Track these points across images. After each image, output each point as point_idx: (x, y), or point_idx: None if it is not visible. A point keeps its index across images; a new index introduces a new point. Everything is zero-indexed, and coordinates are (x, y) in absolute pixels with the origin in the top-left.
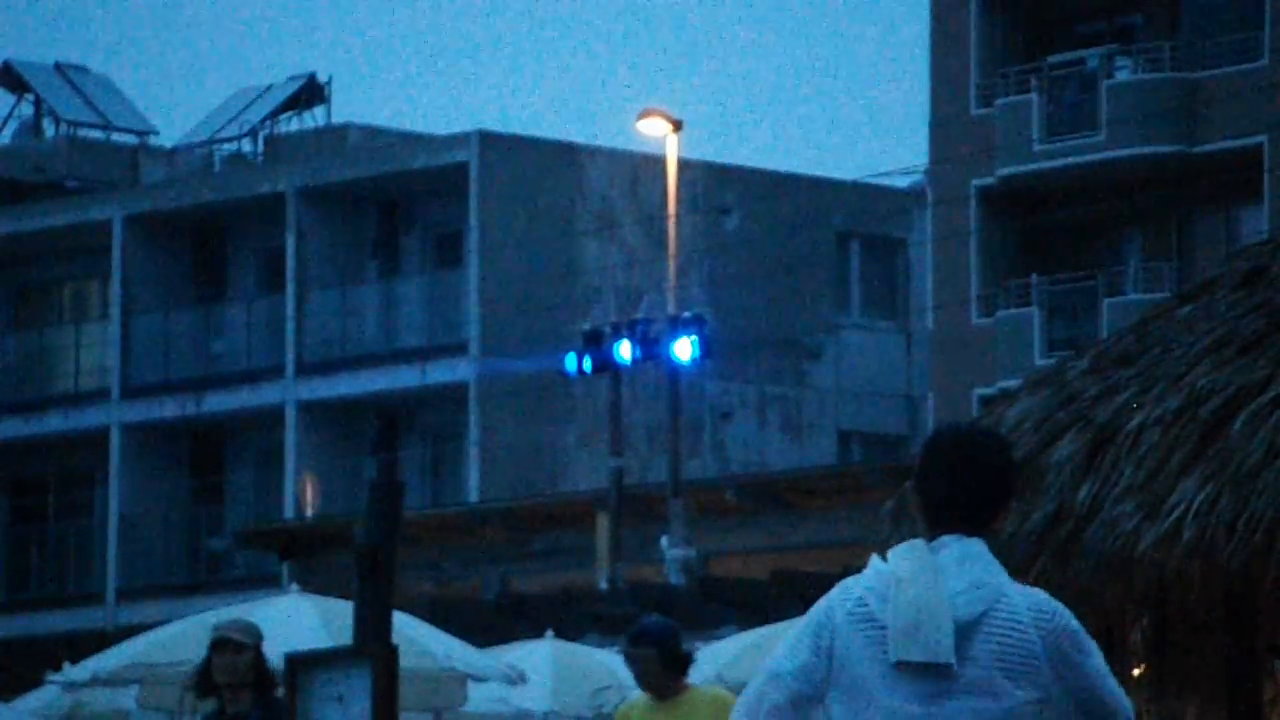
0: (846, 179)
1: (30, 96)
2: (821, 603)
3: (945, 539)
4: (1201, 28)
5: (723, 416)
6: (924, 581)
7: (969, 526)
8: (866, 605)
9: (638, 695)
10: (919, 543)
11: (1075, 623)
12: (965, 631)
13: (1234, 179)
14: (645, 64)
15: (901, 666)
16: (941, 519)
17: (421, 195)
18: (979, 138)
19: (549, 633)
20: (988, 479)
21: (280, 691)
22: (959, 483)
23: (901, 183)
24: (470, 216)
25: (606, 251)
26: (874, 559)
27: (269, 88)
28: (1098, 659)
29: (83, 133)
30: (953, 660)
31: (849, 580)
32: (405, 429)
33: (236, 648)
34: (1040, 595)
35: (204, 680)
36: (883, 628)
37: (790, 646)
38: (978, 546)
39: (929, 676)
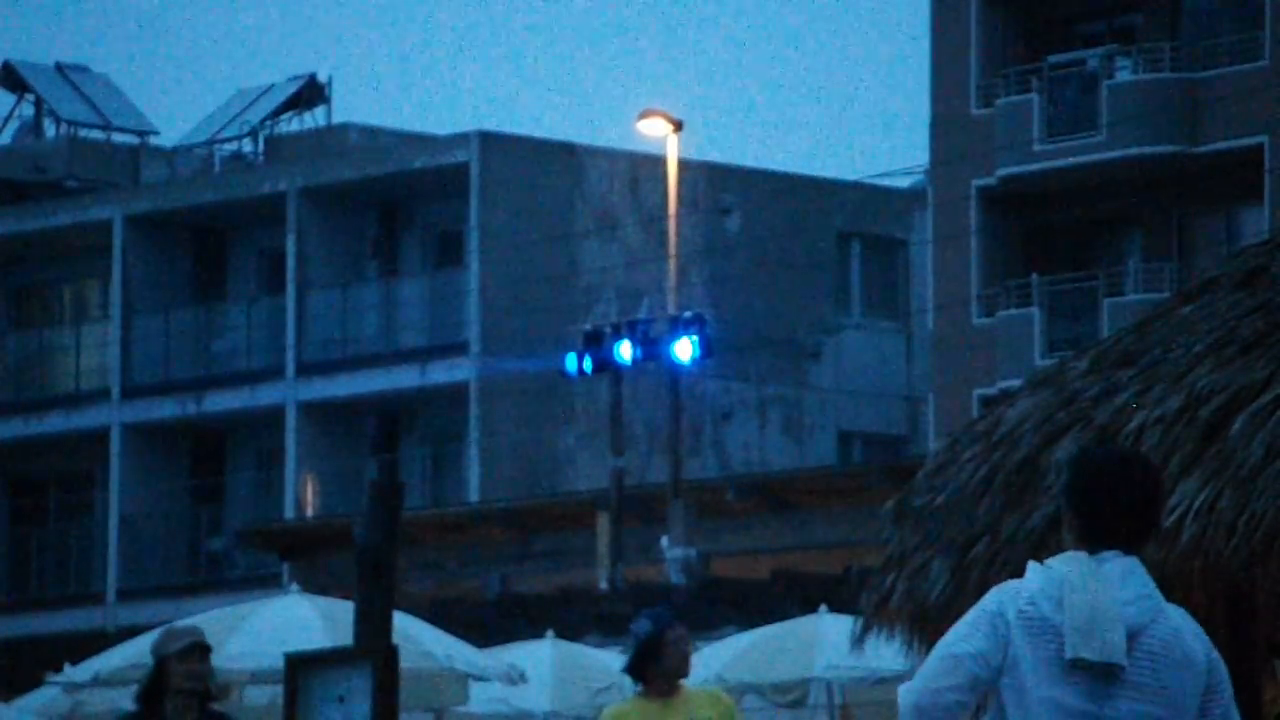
0: (847, 179)
1: (31, 96)
2: (991, 598)
3: (1108, 554)
4: (1201, 28)
5: (723, 416)
6: (1095, 588)
7: (1129, 544)
8: (1037, 605)
9: (627, 699)
10: (1082, 555)
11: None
12: (1133, 637)
13: (1234, 179)
14: (645, 64)
15: (1074, 665)
16: (1104, 535)
17: (421, 195)
18: (979, 138)
19: (549, 633)
20: (1150, 501)
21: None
22: (1125, 504)
23: (902, 183)
24: (470, 216)
25: (607, 252)
26: (1034, 565)
27: (269, 88)
28: (1231, 695)
29: (83, 133)
30: (1125, 662)
31: (1013, 583)
32: (405, 429)
33: (207, 652)
34: (1193, 619)
35: (156, 689)
36: (1054, 628)
37: (963, 634)
38: (1137, 563)
39: (1099, 676)
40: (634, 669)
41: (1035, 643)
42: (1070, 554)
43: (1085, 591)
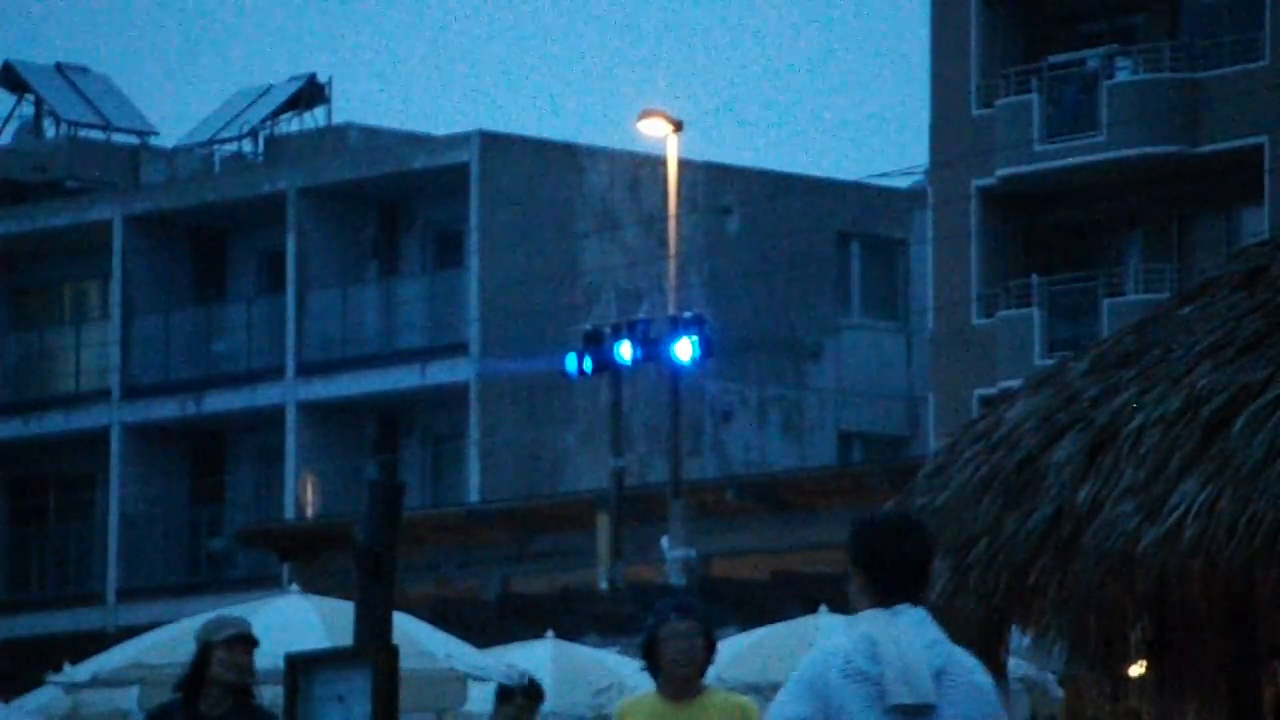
0: (847, 179)
1: (31, 97)
2: (807, 666)
3: (901, 606)
4: (1202, 28)
5: (723, 417)
6: (899, 639)
7: (915, 597)
8: (854, 662)
9: (644, 692)
10: (878, 611)
11: None
12: (937, 677)
13: (1234, 179)
14: (645, 64)
15: (895, 710)
16: (895, 590)
17: (421, 195)
18: (979, 138)
19: (549, 633)
20: (929, 558)
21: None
22: (909, 562)
23: (902, 183)
24: (470, 216)
25: (607, 252)
26: (839, 628)
27: (269, 88)
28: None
29: (83, 133)
30: (935, 700)
31: (827, 645)
32: (405, 429)
33: (252, 645)
34: (973, 655)
35: (196, 677)
36: (873, 679)
37: (787, 702)
38: (924, 612)
39: (915, 716)
40: (648, 666)
41: (858, 694)
42: (870, 612)
43: (894, 644)
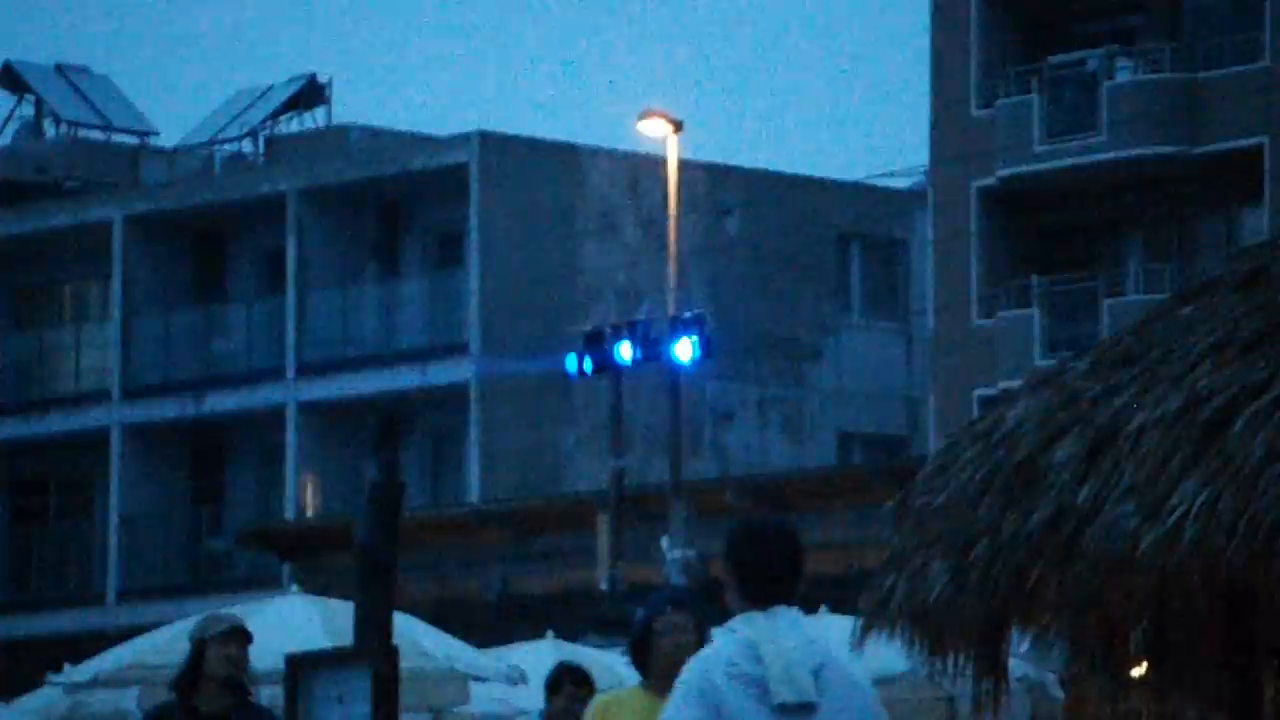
0: (847, 180)
1: (31, 97)
2: (692, 672)
3: (777, 609)
4: (1202, 28)
5: (723, 417)
6: (780, 640)
7: (789, 598)
8: (738, 665)
9: (626, 688)
10: (757, 614)
11: None
12: (816, 674)
13: (1234, 180)
14: (645, 64)
15: (780, 708)
16: (769, 594)
17: (421, 195)
18: (979, 138)
19: (549, 633)
20: (798, 563)
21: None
22: (783, 565)
23: (902, 183)
24: (470, 217)
25: (607, 252)
26: (720, 632)
27: (269, 88)
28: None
29: (83, 133)
30: (817, 698)
31: (708, 651)
32: (405, 429)
33: (247, 640)
34: (848, 654)
35: (192, 675)
36: (757, 680)
37: (680, 708)
38: (798, 612)
39: (799, 712)
40: (635, 661)
41: (744, 695)
42: (747, 615)
43: (774, 644)
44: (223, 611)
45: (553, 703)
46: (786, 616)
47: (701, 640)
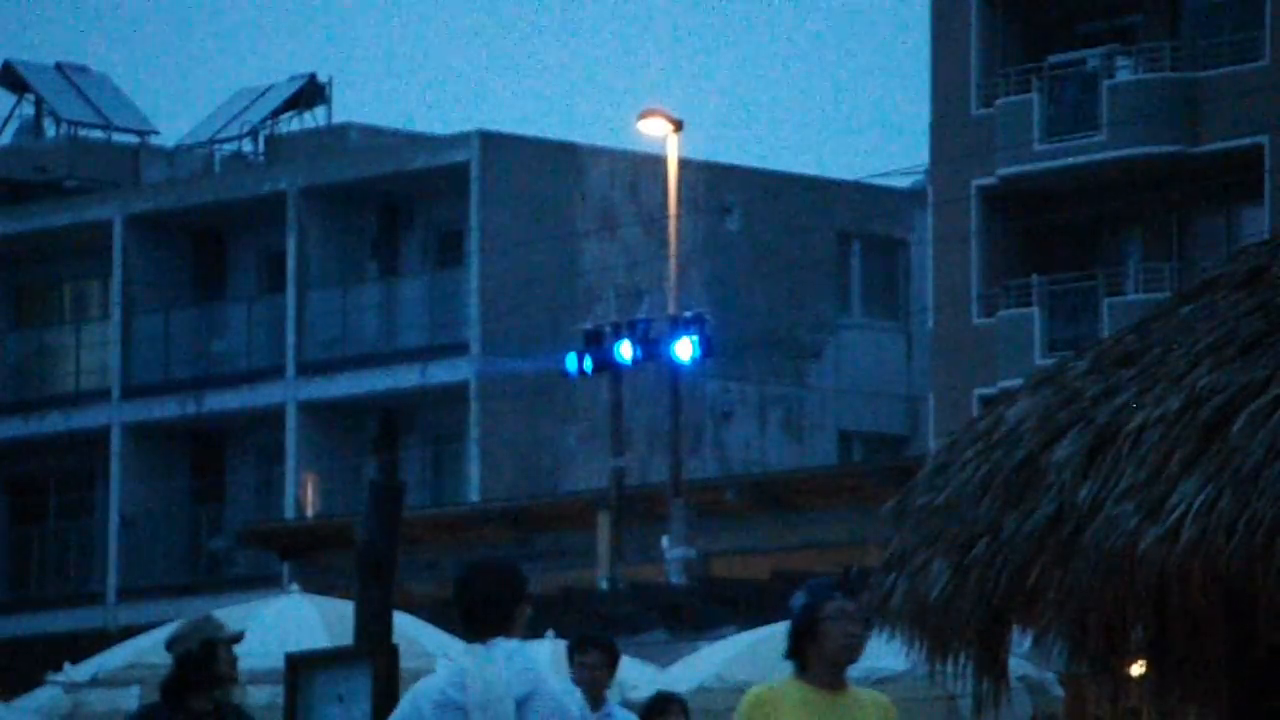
0: (847, 179)
1: (31, 96)
2: (404, 703)
3: (495, 640)
4: (1201, 28)
5: (723, 416)
6: (488, 671)
7: (507, 630)
8: (446, 693)
9: (782, 679)
10: (476, 646)
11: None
12: (521, 705)
13: (1234, 179)
14: (645, 64)
15: None
16: (488, 628)
17: (421, 195)
18: (979, 138)
19: (549, 633)
20: (516, 599)
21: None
22: (500, 603)
23: (902, 183)
24: (470, 216)
25: (607, 251)
26: (442, 662)
27: (269, 88)
28: None
29: (83, 133)
30: None
31: (423, 681)
32: (405, 429)
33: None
34: (566, 681)
35: (204, 674)
36: (461, 708)
37: None
38: (519, 644)
39: None
40: (792, 651)
41: None
42: (469, 647)
43: (481, 675)
44: (198, 618)
45: (578, 662)
46: (504, 648)
47: (869, 630)
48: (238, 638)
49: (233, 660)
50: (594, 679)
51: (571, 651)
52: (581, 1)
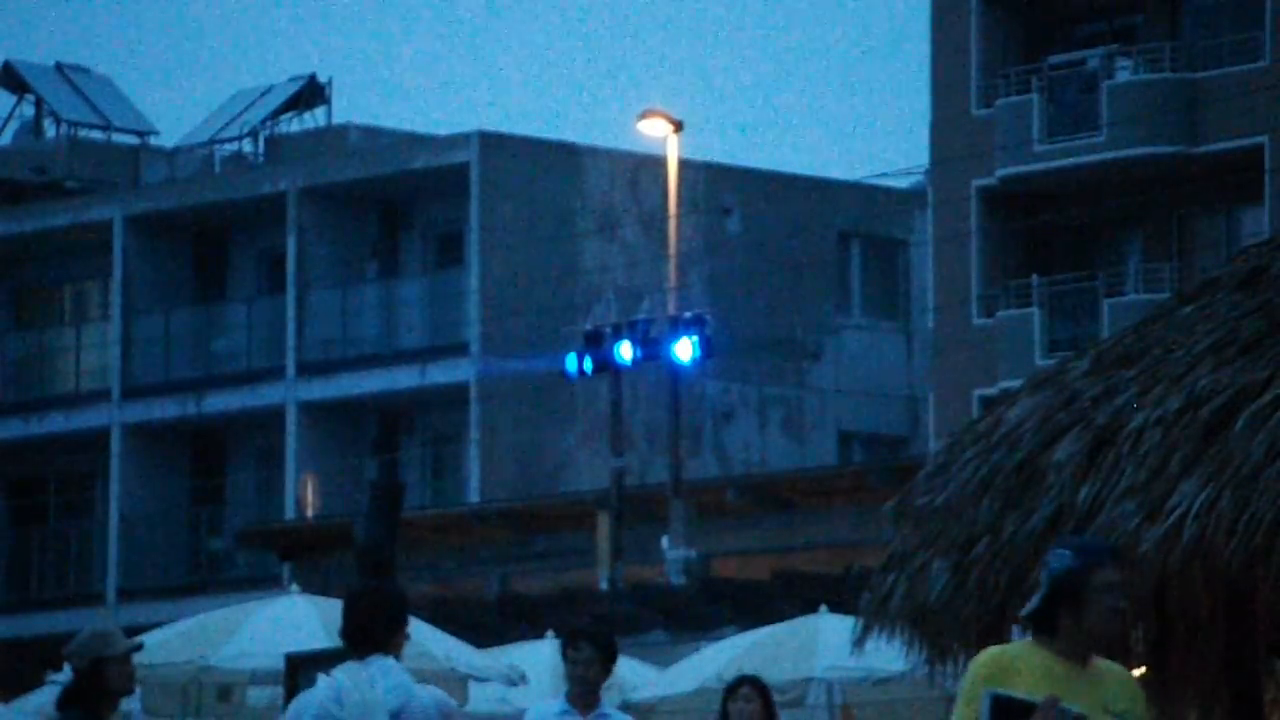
0: (847, 179)
1: (31, 97)
2: (293, 711)
3: (371, 658)
4: (1201, 28)
5: (723, 417)
6: (364, 687)
7: (384, 649)
8: (326, 708)
9: (1021, 642)
10: (352, 663)
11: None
12: (394, 718)
13: (1234, 179)
14: (645, 64)
15: None
16: (368, 647)
17: (421, 195)
18: (979, 138)
19: (549, 633)
20: (396, 619)
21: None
22: (374, 624)
23: (902, 183)
24: (470, 216)
25: (607, 252)
26: (322, 678)
27: (269, 88)
28: None
29: (83, 133)
30: None
31: (303, 695)
32: (405, 429)
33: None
34: (440, 692)
35: (94, 690)
36: None
37: None
38: (392, 661)
39: None
40: (1041, 614)
41: None
42: (348, 664)
43: (358, 690)
44: (100, 627)
45: (571, 658)
46: (380, 665)
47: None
48: (131, 650)
49: (127, 674)
50: (587, 676)
51: (564, 647)
52: (582, 1)
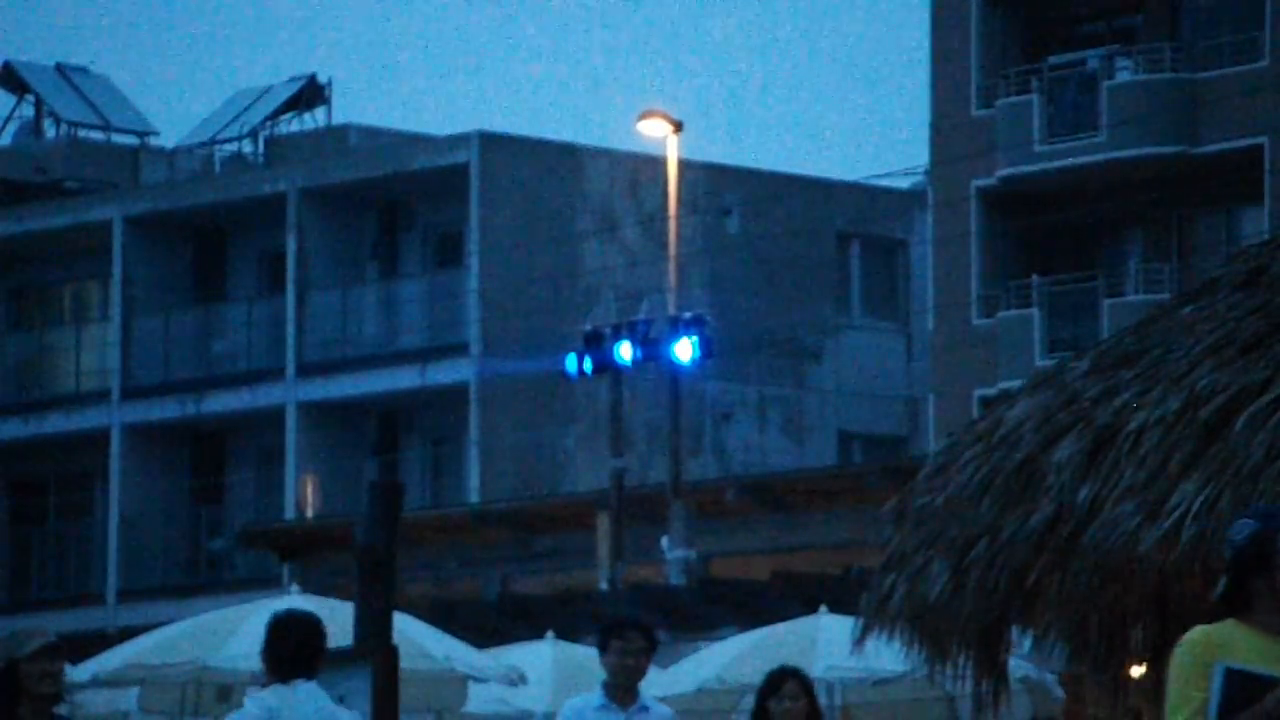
0: (847, 180)
1: (31, 97)
2: None
3: (297, 682)
4: (1201, 28)
5: (723, 417)
6: (290, 710)
7: (309, 674)
8: None
9: (1216, 625)
10: (279, 686)
11: None
12: None
13: (1234, 179)
14: (645, 64)
15: None
16: (295, 671)
17: (421, 195)
18: (980, 138)
19: (549, 633)
20: (317, 645)
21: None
22: (303, 650)
23: (902, 183)
24: (470, 217)
25: (607, 252)
26: (250, 699)
27: (269, 89)
28: None
29: (83, 133)
30: None
31: (235, 715)
32: (405, 429)
33: (60, 652)
34: (358, 715)
35: (17, 692)
36: None
37: None
38: (315, 685)
39: None
40: (1231, 588)
41: None
42: (276, 687)
43: (288, 712)
44: (25, 626)
45: (612, 647)
46: (305, 689)
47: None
48: (44, 648)
49: (47, 673)
50: (636, 666)
51: (606, 638)
52: (582, 2)
